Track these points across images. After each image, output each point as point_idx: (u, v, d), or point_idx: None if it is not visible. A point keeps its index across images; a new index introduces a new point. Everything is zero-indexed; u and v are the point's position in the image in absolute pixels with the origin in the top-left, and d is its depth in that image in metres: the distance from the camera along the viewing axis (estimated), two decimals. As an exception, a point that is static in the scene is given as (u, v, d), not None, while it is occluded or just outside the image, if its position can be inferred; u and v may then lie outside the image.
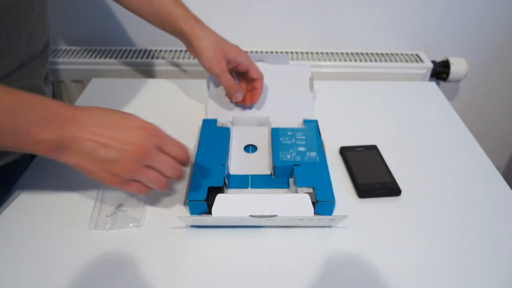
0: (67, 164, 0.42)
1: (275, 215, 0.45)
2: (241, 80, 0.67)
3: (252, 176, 0.56)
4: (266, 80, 0.67)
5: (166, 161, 0.44)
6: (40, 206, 0.52)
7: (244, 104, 0.65)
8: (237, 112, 0.65)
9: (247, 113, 0.66)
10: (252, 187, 0.54)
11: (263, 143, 0.61)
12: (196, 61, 0.88)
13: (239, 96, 0.63)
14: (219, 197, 0.46)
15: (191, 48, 0.61)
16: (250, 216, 0.45)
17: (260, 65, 0.67)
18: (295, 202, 0.47)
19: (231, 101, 0.66)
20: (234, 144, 0.61)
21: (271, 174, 0.56)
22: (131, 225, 0.49)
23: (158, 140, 0.44)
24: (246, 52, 0.64)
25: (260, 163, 0.58)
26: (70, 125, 0.41)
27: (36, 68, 0.55)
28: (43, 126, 0.39)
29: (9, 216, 0.50)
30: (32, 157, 0.62)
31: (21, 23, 0.48)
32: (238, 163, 0.58)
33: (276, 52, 0.91)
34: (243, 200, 0.46)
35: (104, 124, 0.42)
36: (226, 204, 0.46)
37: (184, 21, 0.59)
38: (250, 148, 0.61)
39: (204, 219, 0.48)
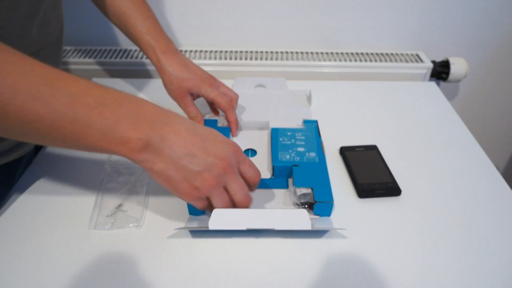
0: (147, 169, 0.40)
1: (272, 229, 0.45)
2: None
3: None
4: (265, 105, 0.68)
5: (241, 185, 0.43)
6: (40, 206, 0.52)
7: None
8: (237, 116, 0.66)
9: (248, 117, 0.66)
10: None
11: (263, 147, 0.61)
12: (196, 61, 0.88)
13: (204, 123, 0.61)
14: (215, 212, 0.44)
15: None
16: (247, 229, 0.45)
17: (259, 91, 0.67)
18: (293, 217, 0.46)
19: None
20: None
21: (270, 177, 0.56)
22: (131, 225, 0.49)
23: (240, 158, 0.43)
24: (215, 79, 0.63)
25: (259, 168, 0.58)
26: (161, 126, 0.39)
27: (50, 56, 0.55)
28: (133, 123, 0.38)
29: (9, 216, 0.50)
30: (34, 156, 0.62)
31: (33, 10, 0.48)
32: None
33: (277, 53, 0.91)
34: (240, 215, 0.45)
35: (195, 133, 0.41)
36: (223, 219, 0.45)
37: (152, 53, 0.59)
38: (250, 152, 0.61)
39: (201, 229, 0.47)
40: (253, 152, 0.61)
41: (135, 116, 0.38)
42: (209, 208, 0.44)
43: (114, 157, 0.58)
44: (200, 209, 0.44)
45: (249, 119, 0.65)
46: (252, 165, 0.45)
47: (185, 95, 0.60)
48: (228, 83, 0.68)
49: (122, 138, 0.37)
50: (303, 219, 0.45)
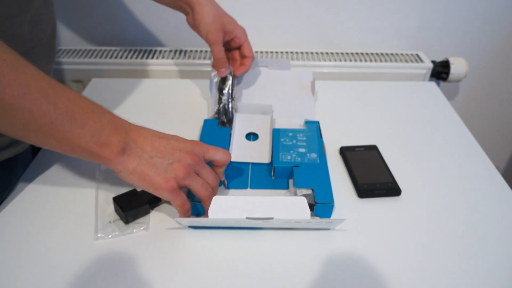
0: (122, 171, 0.44)
1: (272, 218, 0.45)
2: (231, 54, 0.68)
3: (252, 165, 0.57)
4: (269, 85, 0.68)
5: (210, 170, 0.49)
6: (40, 206, 0.52)
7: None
8: (239, 98, 0.67)
9: (250, 99, 0.67)
10: (252, 187, 0.54)
11: (265, 131, 0.62)
12: (196, 61, 0.88)
13: (223, 72, 0.64)
14: (215, 199, 0.46)
15: (191, 16, 0.62)
16: (247, 218, 0.45)
17: (263, 71, 0.67)
18: (292, 205, 0.46)
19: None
20: (237, 131, 0.62)
21: (271, 168, 0.56)
22: (134, 230, 0.49)
23: (204, 149, 0.49)
24: (243, 28, 0.65)
25: (260, 152, 0.59)
26: (133, 132, 0.45)
27: (43, 55, 0.55)
28: (113, 129, 0.44)
29: (10, 216, 0.50)
30: (33, 153, 0.62)
31: (23, 8, 0.48)
32: (239, 150, 0.59)
33: (277, 53, 0.91)
34: (240, 202, 0.46)
35: (159, 136, 0.47)
36: (222, 206, 0.46)
37: None
38: (252, 137, 0.62)
39: (201, 221, 0.48)
40: (254, 136, 0.62)
41: (114, 124, 0.44)
42: (188, 206, 0.48)
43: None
44: (180, 206, 0.47)
45: (251, 102, 0.66)
46: (216, 149, 0.50)
47: (220, 29, 0.61)
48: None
49: (106, 141, 0.43)
50: (302, 207, 0.46)
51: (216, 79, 0.65)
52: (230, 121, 0.62)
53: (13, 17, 0.47)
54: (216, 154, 0.49)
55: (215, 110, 0.63)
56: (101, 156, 0.43)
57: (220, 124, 0.61)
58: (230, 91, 0.64)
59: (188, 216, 0.48)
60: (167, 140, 0.47)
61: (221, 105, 0.63)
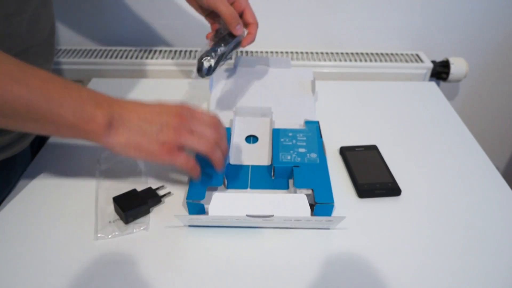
0: (115, 146, 0.44)
1: (272, 215, 0.45)
2: None
3: (252, 167, 0.57)
4: (269, 84, 0.67)
5: (204, 125, 0.48)
6: (40, 206, 0.52)
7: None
8: (239, 100, 0.66)
9: (249, 102, 0.66)
10: (252, 187, 0.54)
11: (264, 134, 0.62)
12: (196, 61, 0.88)
13: (239, 29, 0.58)
14: (215, 196, 0.46)
15: None
16: (247, 216, 0.45)
17: (263, 69, 0.67)
18: (292, 202, 0.47)
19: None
20: (236, 134, 0.62)
21: (271, 170, 0.56)
22: (134, 230, 0.49)
23: (191, 111, 0.48)
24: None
25: (260, 154, 0.59)
26: (116, 106, 0.44)
27: (41, 54, 0.55)
28: (95, 104, 0.43)
29: (9, 216, 0.50)
30: (32, 153, 0.62)
31: (20, 7, 0.48)
32: (239, 153, 0.59)
33: (277, 53, 0.91)
34: (240, 200, 0.46)
35: (142, 106, 0.46)
36: (222, 203, 0.46)
37: None
38: (251, 139, 0.62)
39: (201, 218, 0.48)
40: (254, 138, 0.62)
41: (95, 99, 0.43)
42: (194, 162, 0.47)
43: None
44: (184, 166, 0.47)
45: (250, 105, 0.66)
46: (203, 111, 0.49)
47: None
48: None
49: (90, 115, 0.42)
50: (302, 204, 0.46)
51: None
52: (208, 73, 0.56)
53: (10, 17, 0.47)
54: (204, 116, 0.48)
55: (206, 51, 0.57)
56: (89, 131, 0.42)
57: (197, 72, 0.57)
58: (229, 50, 0.58)
59: (198, 175, 0.48)
60: (152, 108, 0.46)
61: (216, 52, 0.56)
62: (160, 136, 0.45)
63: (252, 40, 0.61)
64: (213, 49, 0.57)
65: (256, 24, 0.61)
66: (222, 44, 0.58)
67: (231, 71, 0.72)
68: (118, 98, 0.46)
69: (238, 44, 0.60)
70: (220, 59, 0.57)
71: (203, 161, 0.54)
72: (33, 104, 0.39)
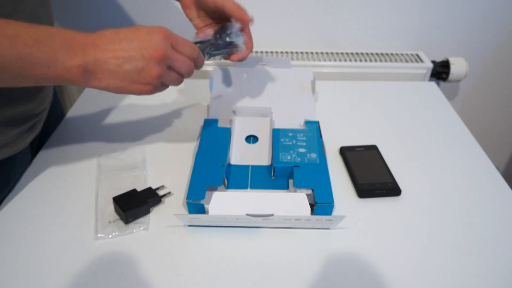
0: (99, 89, 0.44)
1: (272, 214, 0.45)
2: None
3: (252, 167, 0.57)
4: (269, 84, 0.68)
5: (182, 60, 0.47)
6: (40, 205, 0.52)
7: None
8: (239, 100, 0.66)
9: (249, 102, 0.66)
10: (252, 187, 0.54)
11: (264, 134, 0.62)
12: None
13: (248, 17, 0.55)
14: (216, 195, 0.46)
15: None
16: (247, 215, 0.45)
17: (263, 69, 0.67)
18: (292, 201, 0.47)
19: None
20: (236, 134, 0.62)
21: (271, 170, 0.56)
22: (134, 230, 0.49)
23: (172, 40, 0.46)
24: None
25: (260, 154, 0.59)
26: (91, 49, 0.42)
27: None
28: (68, 53, 0.41)
29: (9, 216, 0.50)
30: (32, 152, 0.62)
31: (17, 6, 0.48)
32: (239, 153, 0.59)
33: (277, 53, 0.91)
34: (240, 199, 0.47)
35: (118, 40, 0.44)
36: (223, 203, 0.46)
37: None
38: (251, 139, 0.62)
39: (201, 218, 0.48)
40: (254, 138, 0.62)
41: (67, 46, 0.41)
42: (179, 77, 0.48)
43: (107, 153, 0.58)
44: (173, 82, 0.48)
45: (250, 105, 0.66)
46: (185, 41, 0.48)
47: None
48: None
49: (64, 68, 0.41)
50: (302, 203, 0.46)
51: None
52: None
53: (8, 16, 0.47)
54: (185, 48, 0.47)
55: (205, 38, 0.56)
56: (69, 81, 0.42)
57: None
58: (230, 41, 0.56)
59: (191, 71, 0.48)
60: (129, 42, 0.44)
61: (215, 41, 0.56)
62: (143, 78, 0.44)
63: (243, 59, 0.58)
64: (218, 36, 0.56)
65: (250, 49, 0.58)
66: (231, 39, 0.56)
67: (231, 71, 0.72)
68: (91, 34, 0.44)
69: (229, 46, 0.57)
70: (223, 48, 0.56)
71: (205, 160, 0.54)
72: (4, 65, 0.39)
